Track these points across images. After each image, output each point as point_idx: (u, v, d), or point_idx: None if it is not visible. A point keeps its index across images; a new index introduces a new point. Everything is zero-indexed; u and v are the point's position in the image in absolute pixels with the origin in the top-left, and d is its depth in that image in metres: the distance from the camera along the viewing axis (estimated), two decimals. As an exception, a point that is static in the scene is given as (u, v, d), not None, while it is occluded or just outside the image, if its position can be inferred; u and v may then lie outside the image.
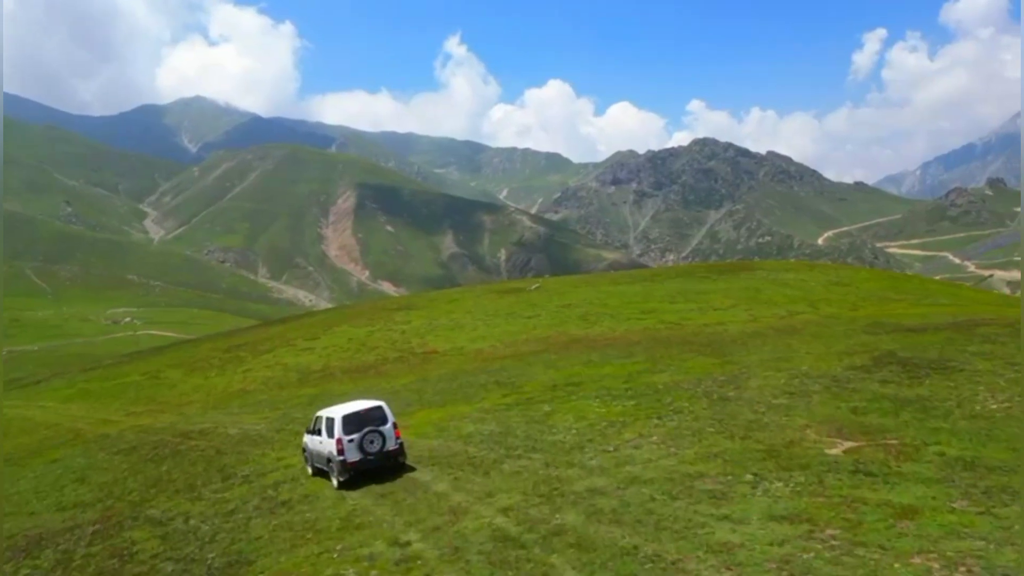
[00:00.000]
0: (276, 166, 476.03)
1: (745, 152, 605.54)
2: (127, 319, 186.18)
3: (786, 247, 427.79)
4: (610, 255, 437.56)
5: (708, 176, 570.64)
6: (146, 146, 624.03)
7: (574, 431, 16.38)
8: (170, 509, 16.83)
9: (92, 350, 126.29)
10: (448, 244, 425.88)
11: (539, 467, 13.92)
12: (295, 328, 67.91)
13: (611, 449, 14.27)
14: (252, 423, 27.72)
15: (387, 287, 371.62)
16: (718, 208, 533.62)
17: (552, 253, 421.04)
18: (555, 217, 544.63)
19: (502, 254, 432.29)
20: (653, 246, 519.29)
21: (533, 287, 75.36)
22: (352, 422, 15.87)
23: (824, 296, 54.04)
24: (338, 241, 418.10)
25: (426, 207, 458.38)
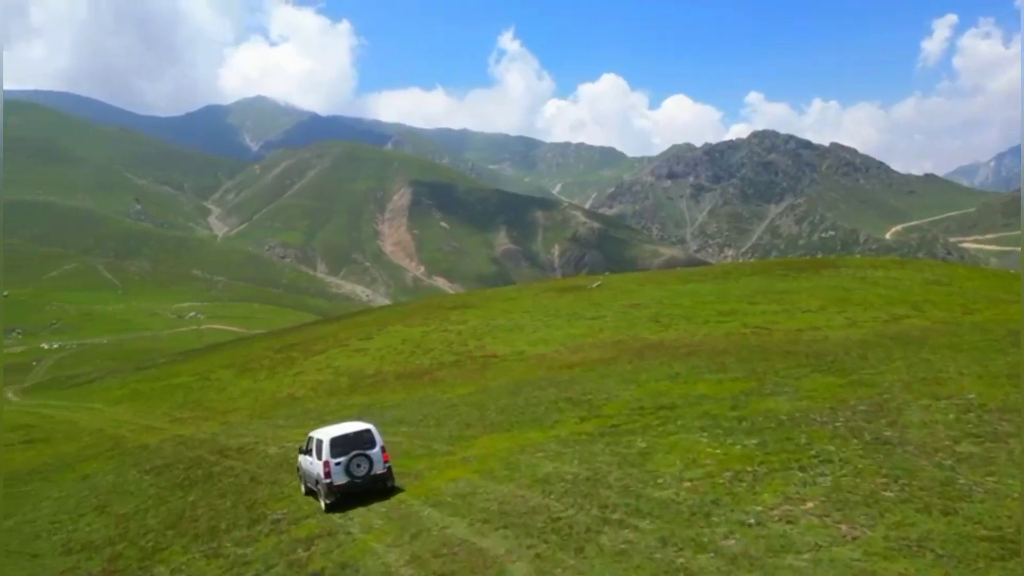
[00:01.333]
0: (334, 164, 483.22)
1: (807, 144, 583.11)
2: (192, 313, 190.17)
3: (851, 242, 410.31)
4: (666, 251, 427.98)
5: (768, 169, 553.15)
6: (210, 145, 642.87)
7: (687, 484, 12.56)
8: (181, 567, 13.80)
9: (157, 344, 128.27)
10: (502, 240, 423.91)
11: (653, 544, 10.18)
12: (349, 327, 65.71)
13: (751, 521, 10.42)
14: (295, 440, 24.79)
15: (442, 283, 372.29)
16: (779, 202, 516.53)
17: (607, 249, 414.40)
18: (610, 212, 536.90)
19: (556, 250, 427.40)
20: (711, 241, 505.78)
21: (595, 285, 71.37)
22: (340, 444, 15.68)
23: (925, 297, 48.46)
24: (394, 237, 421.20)
25: (480, 204, 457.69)
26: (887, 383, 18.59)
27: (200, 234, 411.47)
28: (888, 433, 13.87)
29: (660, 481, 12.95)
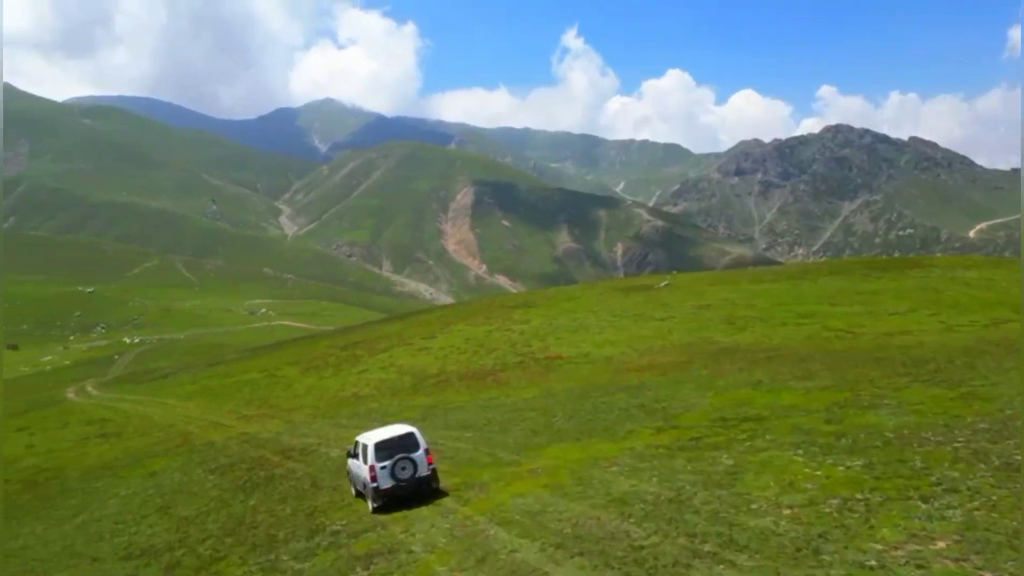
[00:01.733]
0: (399, 164, 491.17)
1: (884, 138, 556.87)
2: (263, 310, 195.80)
3: (931, 241, 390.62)
4: (733, 249, 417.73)
5: (842, 165, 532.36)
6: (281, 147, 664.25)
7: (787, 512, 11.10)
8: (237, 582, 13.25)
9: (230, 339, 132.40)
10: (564, 239, 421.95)
11: (755, 586, 8.84)
12: (412, 325, 65.70)
13: (871, 563, 8.93)
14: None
15: (503, 281, 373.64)
16: (853, 199, 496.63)
17: (671, 248, 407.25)
18: (674, 210, 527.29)
19: (618, 249, 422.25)
20: (780, 240, 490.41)
21: (662, 284, 69.25)
22: (384, 448, 15.94)
23: (1027, 299, 44.60)
24: (456, 236, 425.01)
25: (542, 202, 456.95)
26: (1006, 397, 16.53)
27: (271, 233, 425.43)
28: (1019, 458, 12.04)
29: (755, 507, 11.53)
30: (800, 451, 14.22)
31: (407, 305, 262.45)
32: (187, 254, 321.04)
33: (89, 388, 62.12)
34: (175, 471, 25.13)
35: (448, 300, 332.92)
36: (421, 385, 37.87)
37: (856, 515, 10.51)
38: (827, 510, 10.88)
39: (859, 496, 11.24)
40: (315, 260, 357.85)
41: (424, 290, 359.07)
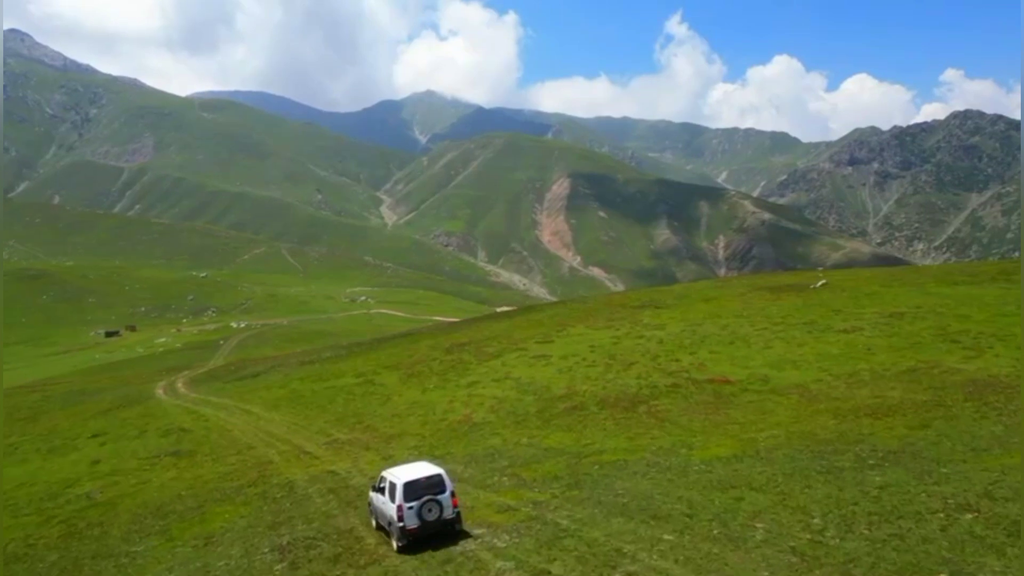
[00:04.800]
0: (496, 154, 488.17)
1: (1019, 125, 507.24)
2: (362, 298, 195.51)
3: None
4: (846, 244, 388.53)
5: (969, 154, 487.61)
6: (383, 138, 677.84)
7: None
8: None
9: (331, 327, 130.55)
10: (661, 231, 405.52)
11: None
12: (522, 326, 57.99)
13: None
14: (485, 514, 16.55)
15: (598, 274, 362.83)
16: (982, 190, 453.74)
17: (777, 241, 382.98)
18: (781, 201, 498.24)
19: (720, 242, 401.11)
20: (897, 234, 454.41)
21: (819, 284, 58.31)
22: (412, 488, 15.68)
23: None
24: (551, 227, 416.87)
25: (640, 193, 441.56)
26: None
27: (372, 222, 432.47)
28: None
29: None
30: None
31: (501, 295, 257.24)
32: (293, 241, 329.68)
33: (179, 384, 58.20)
34: (235, 541, 18.19)
35: (542, 291, 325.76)
36: (549, 411, 29.82)
37: None
38: None
39: None
40: (413, 249, 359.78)
41: (518, 280, 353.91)
